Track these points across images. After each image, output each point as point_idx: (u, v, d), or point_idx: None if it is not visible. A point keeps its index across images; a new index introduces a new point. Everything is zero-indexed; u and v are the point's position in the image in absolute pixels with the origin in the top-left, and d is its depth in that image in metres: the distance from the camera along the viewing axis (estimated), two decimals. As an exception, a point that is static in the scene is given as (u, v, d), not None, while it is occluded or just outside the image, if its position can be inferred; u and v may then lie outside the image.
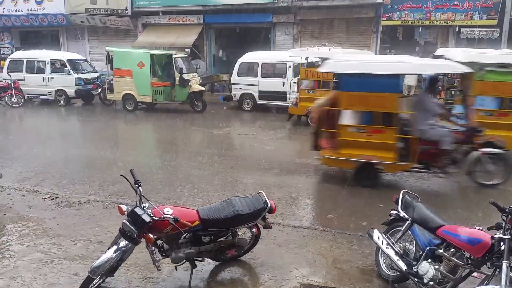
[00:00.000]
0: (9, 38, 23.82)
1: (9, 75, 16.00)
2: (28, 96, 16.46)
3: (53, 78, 16.05)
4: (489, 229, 3.59)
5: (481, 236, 3.48)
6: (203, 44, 20.45)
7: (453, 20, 16.23)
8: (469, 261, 3.55)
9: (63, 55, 17.02)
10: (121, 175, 4.10)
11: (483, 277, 3.60)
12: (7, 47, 23.10)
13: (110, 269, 3.94)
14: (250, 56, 15.12)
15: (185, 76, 14.34)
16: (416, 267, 3.91)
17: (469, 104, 7.26)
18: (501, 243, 3.36)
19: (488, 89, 8.13)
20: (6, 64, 16.76)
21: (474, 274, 3.68)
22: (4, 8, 22.07)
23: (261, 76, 14.56)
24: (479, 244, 3.45)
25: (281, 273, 4.50)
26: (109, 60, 14.90)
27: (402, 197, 4.35)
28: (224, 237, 4.37)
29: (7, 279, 4.37)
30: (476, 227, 3.62)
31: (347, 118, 7.33)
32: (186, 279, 4.26)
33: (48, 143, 10.64)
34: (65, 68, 15.94)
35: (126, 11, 20.23)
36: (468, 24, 16.01)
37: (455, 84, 11.76)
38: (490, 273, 3.47)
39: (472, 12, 15.87)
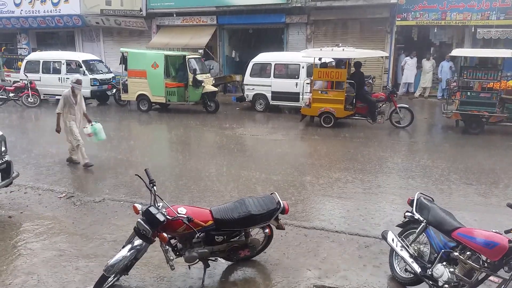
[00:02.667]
0: (26, 39, 24.23)
1: (26, 75, 16.28)
2: (44, 96, 16.71)
3: (68, 78, 16.21)
4: (507, 232, 3.55)
5: (498, 239, 3.44)
6: (216, 45, 20.53)
7: (469, 20, 16.00)
8: (486, 265, 3.51)
9: (79, 55, 17.25)
10: (135, 175, 4.15)
11: (500, 281, 3.55)
12: (24, 48, 23.48)
13: (125, 267, 3.98)
14: (263, 57, 15.11)
15: (198, 77, 14.40)
16: (431, 270, 3.87)
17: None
18: (519, 247, 3.31)
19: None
20: (23, 64, 17.05)
21: (491, 278, 3.63)
22: (21, 10, 22.46)
23: (274, 77, 14.52)
24: (496, 248, 3.40)
25: (294, 274, 4.50)
26: (124, 61, 15.05)
27: (417, 199, 4.31)
28: (237, 237, 4.39)
29: (23, 276, 4.44)
30: (493, 230, 3.58)
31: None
32: (199, 278, 4.28)
33: (63, 142, 10.77)
34: (81, 69, 16.12)
35: (141, 12, 20.41)
36: (484, 24, 15.76)
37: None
38: (508, 277, 3.42)
39: (489, 12, 15.63)
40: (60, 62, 16.47)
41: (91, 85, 16.03)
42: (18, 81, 16.74)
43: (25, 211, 6.18)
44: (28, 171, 8.04)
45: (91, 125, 8.42)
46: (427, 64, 16.88)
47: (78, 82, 8.11)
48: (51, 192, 6.98)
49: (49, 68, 16.64)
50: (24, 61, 17.19)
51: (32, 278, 4.42)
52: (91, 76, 16.09)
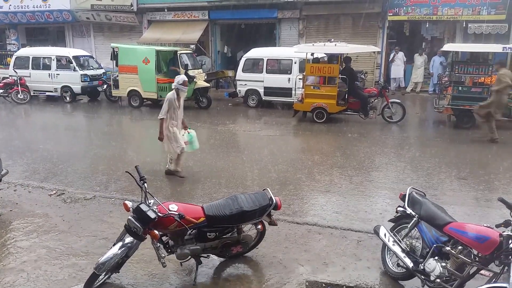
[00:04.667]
0: (15, 35, 23.89)
1: (15, 71, 16.04)
2: (34, 93, 16.51)
3: (59, 74, 16.10)
4: (497, 226, 3.56)
5: (489, 233, 3.45)
6: (208, 40, 20.41)
7: (460, 15, 16.07)
8: (477, 259, 3.53)
9: (69, 51, 17.05)
10: (126, 172, 4.12)
11: (491, 275, 3.57)
12: (14, 44, 23.19)
13: (116, 265, 3.96)
14: (255, 52, 15.06)
15: (190, 72, 14.30)
16: (422, 264, 3.88)
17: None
18: (510, 241, 3.34)
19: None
20: (12, 60, 16.80)
21: (482, 271, 3.65)
22: (10, 5, 22.12)
23: (266, 72, 14.48)
24: (487, 242, 3.42)
25: (287, 270, 4.49)
26: (115, 56, 14.90)
27: (409, 194, 4.32)
28: (229, 234, 4.37)
29: (13, 275, 4.39)
30: (485, 225, 3.59)
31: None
32: (192, 275, 4.26)
33: (54, 139, 10.68)
34: (71, 65, 15.96)
35: (132, 7, 20.21)
36: (475, 19, 15.84)
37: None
38: (498, 271, 3.44)
39: (480, 7, 15.72)
40: (50, 58, 16.27)
41: (81, 81, 15.88)
42: (8, 77, 16.51)
43: (14, 209, 6.11)
44: (18, 168, 7.95)
45: (188, 132, 7.52)
46: (419, 59, 16.93)
47: (185, 83, 7.16)
48: (41, 189, 6.90)
49: (39, 64, 16.44)
50: (14, 57, 16.94)
51: (22, 276, 4.36)
52: (81, 72, 15.93)
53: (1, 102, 16.16)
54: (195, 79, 14.30)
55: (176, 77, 7.30)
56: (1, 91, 16.07)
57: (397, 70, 17.33)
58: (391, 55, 17.33)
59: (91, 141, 10.83)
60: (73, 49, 19.18)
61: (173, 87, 7.23)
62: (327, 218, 5.80)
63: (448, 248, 3.69)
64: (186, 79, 7.32)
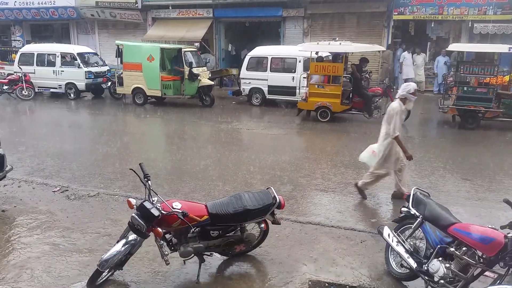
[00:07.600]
0: (20, 31, 23.98)
1: (20, 68, 16.12)
2: (38, 89, 16.58)
3: (63, 71, 16.15)
4: (502, 227, 3.54)
5: (494, 235, 3.43)
6: (212, 38, 20.41)
7: (466, 15, 16.01)
8: (481, 260, 3.50)
9: (73, 48, 17.09)
10: (130, 169, 4.12)
11: (495, 276, 3.55)
12: (18, 40, 23.27)
13: (119, 262, 3.96)
14: (259, 51, 15.04)
15: (195, 70, 14.32)
16: (426, 265, 3.86)
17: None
18: (515, 242, 3.31)
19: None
20: (17, 57, 16.89)
21: (486, 273, 3.63)
22: (15, 1, 22.19)
23: (271, 71, 14.46)
24: (491, 243, 3.39)
25: (290, 269, 4.49)
26: (119, 53, 14.93)
27: (413, 194, 4.30)
28: (233, 232, 4.37)
29: (17, 271, 4.40)
30: (489, 226, 3.57)
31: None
32: (194, 273, 4.26)
33: (58, 136, 10.71)
34: (75, 62, 15.99)
35: (136, 5, 20.23)
36: (481, 19, 15.75)
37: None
38: (503, 273, 3.42)
39: (486, 7, 15.64)
40: (55, 54, 16.32)
41: (86, 78, 15.94)
42: (12, 74, 16.58)
43: (18, 205, 6.13)
44: (22, 164, 7.97)
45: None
46: (418, 59, 16.80)
47: (415, 93, 5.93)
48: (45, 186, 6.92)
49: (44, 60, 16.48)
50: (18, 54, 17.02)
51: (26, 272, 4.38)
52: (86, 69, 15.97)
53: (5, 98, 16.22)
54: (199, 77, 14.33)
55: (406, 84, 6.09)
56: (6, 87, 16.15)
57: (409, 70, 17.03)
58: (402, 56, 17.11)
59: (95, 138, 10.85)
60: (78, 46, 19.23)
61: (399, 96, 6.08)
62: (330, 217, 5.79)
63: (452, 249, 3.67)
64: (417, 87, 6.12)
